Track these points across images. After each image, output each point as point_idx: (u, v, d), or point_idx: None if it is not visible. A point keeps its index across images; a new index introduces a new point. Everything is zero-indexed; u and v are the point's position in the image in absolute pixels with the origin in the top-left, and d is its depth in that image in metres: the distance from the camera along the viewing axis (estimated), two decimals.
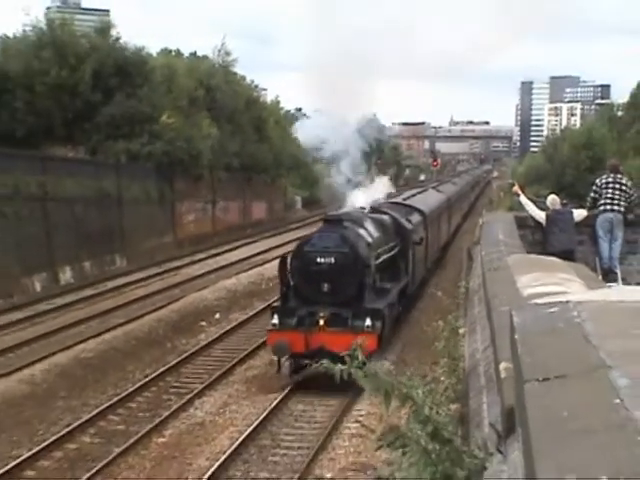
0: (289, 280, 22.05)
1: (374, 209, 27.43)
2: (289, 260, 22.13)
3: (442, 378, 8.97)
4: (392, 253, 25.38)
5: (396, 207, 30.11)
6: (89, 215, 41.33)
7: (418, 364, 19.72)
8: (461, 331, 11.23)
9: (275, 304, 23.28)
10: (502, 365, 5.64)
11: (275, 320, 21.22)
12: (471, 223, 47.86)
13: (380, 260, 23.13)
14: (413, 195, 38.65)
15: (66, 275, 38.75)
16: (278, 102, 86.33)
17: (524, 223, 20.32)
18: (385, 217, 27.09)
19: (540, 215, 19.26)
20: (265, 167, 65.94)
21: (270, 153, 67.27)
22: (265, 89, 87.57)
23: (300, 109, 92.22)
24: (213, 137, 54.85)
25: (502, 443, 5.15)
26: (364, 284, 21.22)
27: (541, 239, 19.21)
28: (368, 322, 20.28)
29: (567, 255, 15.88)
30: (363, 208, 26.67)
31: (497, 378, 6.04)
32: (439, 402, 6.22)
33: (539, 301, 6.29)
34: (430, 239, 32.80)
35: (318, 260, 21.06)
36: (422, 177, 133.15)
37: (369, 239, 22.79)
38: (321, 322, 20.70)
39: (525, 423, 3.20)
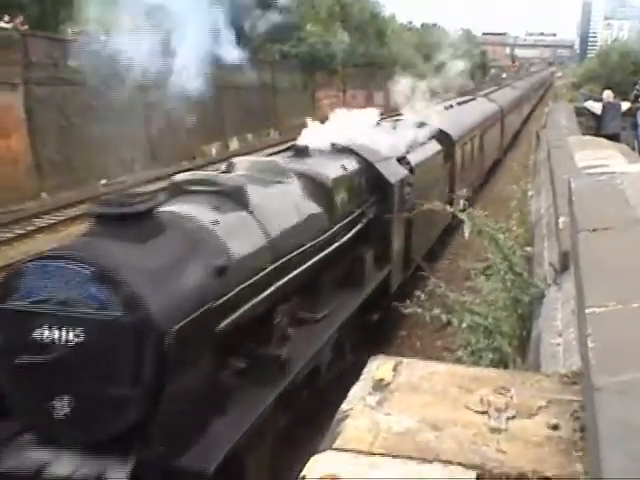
0: None
1: (340, 148, 10.69)
2: None
3: (514, 228, 8.97)
4: (343, 240, 8.67)
5: (404, 126, 14.17)
6: (251, 99, 41.69)
7: (497, 216, 17.35)
8: (529, 193, 11.13)
9: None
10: (561, 219, 5.61)
11: None
12: (540, 112, 46.47)
13: (287, 278, 6.85)
14: (447, 108, 19.76)
15: (234, 144, 39.32)
16: (394, 15, 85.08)
17: (581, 112, 20.26)
18: (347, 164, 9.95)
19: (598, 106, 18.98)
20: (383, 65, 65.16)
21: (388, 55, 66.93)
22: (384, 5, 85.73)
23: (410, 22, 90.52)
24: (345, 42, 54.78)
25: (558, 277, 5.16)
26: (168, 396, 4.59)
27: (594, 125, 18.85)
28: None
29: (614, 137, 15.66)
30: (302, 149, 10.08)
31: (556, 229, 6.00)
32: (513, 246, 6.31)
33: (591, 171, 6.18)
34: (462, 170, 18.05)
35: (38, 335, 4.52)
36: (504, 75, 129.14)
37: (239, 250, 6.19)
38: None
39: (577, 262, 3.19)
